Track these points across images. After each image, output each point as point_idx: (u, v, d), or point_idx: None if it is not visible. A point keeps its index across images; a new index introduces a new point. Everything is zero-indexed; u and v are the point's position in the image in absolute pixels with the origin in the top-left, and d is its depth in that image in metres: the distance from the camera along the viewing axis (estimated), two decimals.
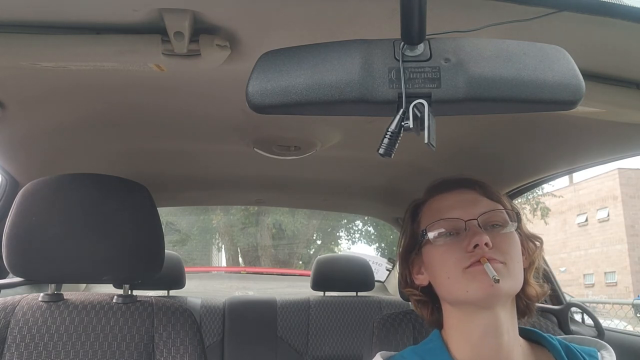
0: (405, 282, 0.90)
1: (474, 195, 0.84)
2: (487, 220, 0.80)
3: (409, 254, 0.88)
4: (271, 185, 2.00)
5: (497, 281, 0.73)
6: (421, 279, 0.86)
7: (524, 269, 0.82)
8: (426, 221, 0.84)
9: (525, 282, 0.82)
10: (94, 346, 0.97)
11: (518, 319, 0.83)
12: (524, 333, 0.84)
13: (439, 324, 0.87)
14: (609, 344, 0.84)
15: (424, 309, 0.89)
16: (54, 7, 0.74)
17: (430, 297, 0.87)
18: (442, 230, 0.81)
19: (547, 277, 1.76)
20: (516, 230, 0.82)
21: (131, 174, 1.16)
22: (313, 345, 2.11)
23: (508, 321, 0.79)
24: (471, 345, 0.79)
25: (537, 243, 0.85)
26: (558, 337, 0.84)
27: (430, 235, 0.82)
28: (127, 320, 1.01)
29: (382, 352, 0.85)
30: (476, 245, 0.76)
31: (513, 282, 0.77)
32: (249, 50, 0.82)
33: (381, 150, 0.55)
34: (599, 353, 0.82)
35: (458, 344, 0.81)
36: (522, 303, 0.83)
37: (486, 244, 0.75)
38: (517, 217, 0.83)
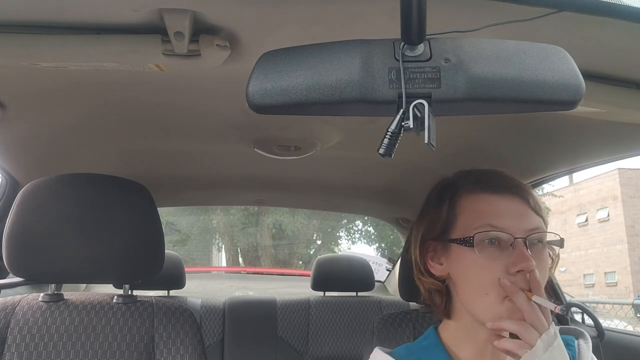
0: (419, 268, 0.83)
1: (525, 208, 0.77)
2: (535, 238, 0.76)
3: (431, 239, 0.82)
4: (271, 185, 2.00)
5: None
6: (439, 270, 0.81)
7: None
8: (467, 219, 0.78)
9: None
10: (94, 346, 0.97)
11: None
12: None
13: (447, 316, 0.83)
14: (609, 344, 0.84)
15: (437, 297, 0.83)
16: (54, 7, 0.74)
17: (442, 288, 0.82)
18: (488, 239, 0.75)
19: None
20: None
21: (131, 174, 1.16)
22: (313, 345, 2.11)
23: None
24: (476, 345, 0.79)
25: (554, 258, 0.81)
26: None
27: (476, 241, 0.75)
28: (127, 320, 1.01)
29: (380, 347, 0.85)
30: (520, 270, 0.72)
31: None
32: (249, 50, 0.82)
33: (381, 151, 0.55)
34: (576, 341, 0.82)
35: (461, 342, 0.80)
36: None
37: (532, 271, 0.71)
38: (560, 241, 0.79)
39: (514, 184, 0.80)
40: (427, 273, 0.83)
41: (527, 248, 0.73)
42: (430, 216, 0.83)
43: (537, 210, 0.78)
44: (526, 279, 0.71)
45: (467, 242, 0.76)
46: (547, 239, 0.78)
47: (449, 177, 0.86)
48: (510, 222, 0.75)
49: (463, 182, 0.82)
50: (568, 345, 0.80)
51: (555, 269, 0.82)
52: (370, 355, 0.84)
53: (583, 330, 0.85)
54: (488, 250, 0.75)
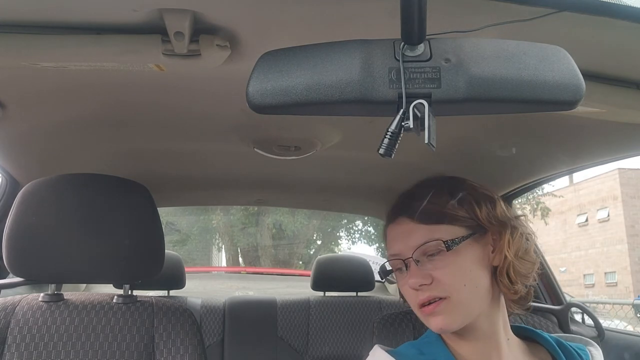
0: (400, 296, 0.91)
1: (410, 225, 0.80)
2: (423, 252, 0.78)
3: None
4: (271, 185, 2.00)
5: None
6: None
7: (496, 267, 0.79)
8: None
9: (500, 283, 0.79)
10: (94, 346, 0.97)
11: (519, 305, 0.84)
12: (517, 331, 0.86)
13: None
14: (609, 344, 0.85)
15: None
16: (54, 7, 0.74)
17: None
18: (393, 265, 0.83)
19: (547, 276, 1.77)
20: (473, 233, 0.78)
21: (131, 174, 1.16)
22: (313, 345, 2.11)
23: (494, 321, 0.81)
24: (462, 342, 0.82)
25: (504, 231, 0.80)
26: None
27: (389, 269, 0.84)
28: (127, 320, 1.01)
29: (379, 344, 0.87)
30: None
31: (463, 312, 0.77)
32: (249, 50, 0.82)
33: (381, 151, 0.55)
34: (586, 349, 0.84)
35: (457, 340, 0.83)
36: (509, 297, 0.82)
37: (423, 284, 0.77)
38: (472, 219, 0.79)
39: (403, 205, 0.83)
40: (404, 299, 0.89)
41: (419, 264, 0.78)
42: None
43: (428, 220, 0.79)
44: (422, 292, 0.77)
45: (384, 273, 0.86)
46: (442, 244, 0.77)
47: None
48: (401, 246, 0.80)
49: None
50: (581, 350, 0.83)
51: (512, 242, 0.80)
52: (370, 353, 0.85)
53: (590, 340, 0.87)
54: (399, 275, 0.82)
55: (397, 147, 0.55)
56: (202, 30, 0.77)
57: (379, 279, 2.88)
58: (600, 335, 1.53)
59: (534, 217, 12.75)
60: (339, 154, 1.51)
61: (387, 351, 0.84)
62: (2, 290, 1.27)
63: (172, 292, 2.27)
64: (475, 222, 0.79)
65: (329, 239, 11.29)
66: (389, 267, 0.85)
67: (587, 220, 22.26)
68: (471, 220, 0.79)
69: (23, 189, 1.00)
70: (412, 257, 0.78)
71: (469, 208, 0.80)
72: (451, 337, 0.83)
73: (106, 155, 1.51)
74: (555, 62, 0.55)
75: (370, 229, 10.88)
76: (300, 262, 10.04)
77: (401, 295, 0.91)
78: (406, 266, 0.79)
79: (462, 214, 0.79)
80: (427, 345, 0.84)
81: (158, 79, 0.94)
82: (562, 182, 25.65)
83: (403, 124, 0.53)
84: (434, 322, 0.77)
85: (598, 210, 21.71)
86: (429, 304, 0.77)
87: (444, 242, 0.77)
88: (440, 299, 0.76)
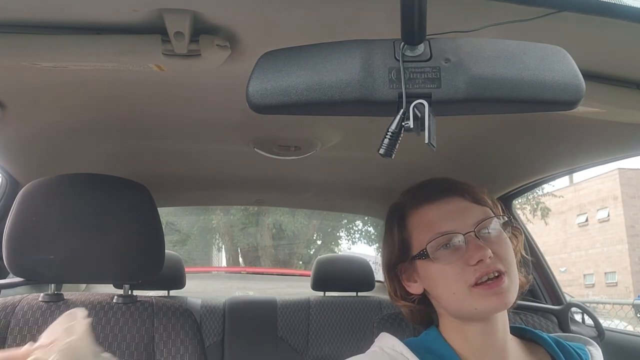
0: (396, 294, 0.88)
1: (464, 203, 0.81)
2: (482, 228, 0.78)
3: (398, 264, 0.85)
4: (271, 185, 2.00)
5: None
6: (416, 287, 0.84)
7: None
8: (419, 234, 0.81)
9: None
10: None
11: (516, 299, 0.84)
12: (516, 331, 0.86)
13: (433, 324, 0.87)
14: (609, 344, 0.85)
15: (416, 317, 0.89)
16: (54, 7, 0.74)
17: (424, 304, 0.86)
18: (441, 245, 0.78)
19: (547, 276, 1.77)
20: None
21: (131, 174, 1.17)
22: (313, 345, 2.11)
23: (502, 318, 0.81)
24: (468, 342, 0.81)
25: (518, 235, 0.85)
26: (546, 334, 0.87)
27: (430, 250, 0.79)
28: (127, 320, 1.01)
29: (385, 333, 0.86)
30: (479, 260, 0.75)
31: (515, 287, 0.78)
32: (249, 50, 0.82)
33: (382, 151, 0.55)
34: (586, 348, 0.85)
35: (456, 340, 0.82)
36: (522, 282, 0.84)
37: (490, 256, 0.75)
38: (503, 212, 0.83)
39: (448, 186, 0.84)
40: (404, 296, 0.87)
41: (480, 239, 0.77)
42: (388, 241, 0.87)
43: (480, 201, 0.82)
44: (487, 265, 0.75)
45: (424, 255, 0.79)
46: (501, 221, 0.81)
47: (397, 201, 0.89)
48: (456, 223, 0.79)
49: (407, 200, 0.86)
50: (581, 350, 0.83)
51: (522, 245, 0.86)
52: (376, 340, 0.85)
53: (589, 339, 0.87)
54: (445, 255, 0.78)
55: (397, 147, 0.55)
56: (202, 30, 0.77)
57: (379, 279, 2.88)
58: (600, 335, 1.53)
59: (534, 217, 12.75)
60: (339, 154, 1.51)
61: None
62: (2, 290, 1.27)
63: (172, 292, 2.27)
64: (503, 220, 0.83)
65: (329, 239, 11.28)
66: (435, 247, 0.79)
67: (587, 220, 22.26)
68: (501, 217, 0.83)
69: (23, 189, 1.00)
70: (474, 231, 0.77)
71: (496, 205, 0.85)
72: (452, 337, 0.82)
73: (106, 155, 1.51)
74: (555, 62, 0.55)
75: (370, 229, 10.86)
76: (300, 262, 10.03)
77: (398, 294, 0.88)
78: (465, 242, 0.77)
79: (491, 204, 0.84)
80: (431, 341, 0.83)
81: (158, 79, 0.94)
82: (562, 182, 25.67)
83: (403, 124, 0.53)
84: (496, 299, 0.75)
85: (598, 210, 21.71)
86: (487, 282, 0.75)
87: (507, 216, 0.81)
88: (501, 273, 0.75)
